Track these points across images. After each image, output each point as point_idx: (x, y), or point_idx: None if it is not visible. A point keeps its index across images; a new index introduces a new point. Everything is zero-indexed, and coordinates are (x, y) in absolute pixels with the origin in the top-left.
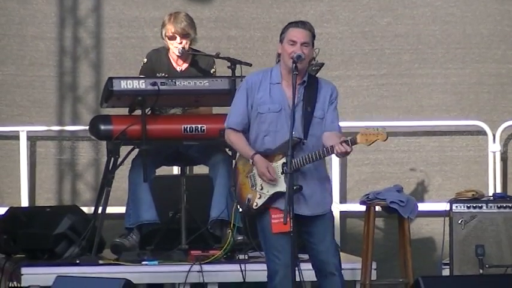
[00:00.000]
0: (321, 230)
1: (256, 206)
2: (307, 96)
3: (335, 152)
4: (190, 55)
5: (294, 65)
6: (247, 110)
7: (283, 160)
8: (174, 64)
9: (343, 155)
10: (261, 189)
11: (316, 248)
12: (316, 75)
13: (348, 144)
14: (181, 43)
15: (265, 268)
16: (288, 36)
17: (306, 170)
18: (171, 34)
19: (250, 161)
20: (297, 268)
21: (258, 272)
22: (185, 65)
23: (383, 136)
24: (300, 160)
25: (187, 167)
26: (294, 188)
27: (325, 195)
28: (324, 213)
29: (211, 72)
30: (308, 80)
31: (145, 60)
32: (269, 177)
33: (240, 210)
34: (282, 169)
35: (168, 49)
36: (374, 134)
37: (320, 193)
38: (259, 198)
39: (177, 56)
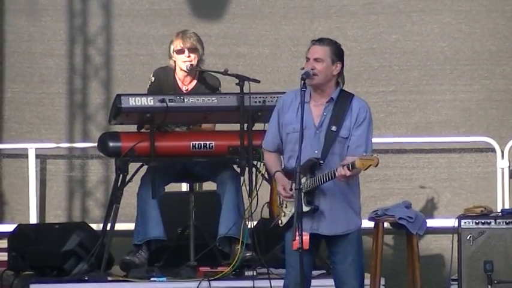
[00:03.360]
0: (341, 251)
1: (281, 223)
2: (334, 114)
3: (336, 175)
4: (197, 75)
5: (303, 82)
6: (278, 130)
7: (304, 180)
8: (180, 84)
9: (342, 179)
10: (285, 207)
11: (337, 267)
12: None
13: (349, 169)
14: (189, 57)
15: (273, 284)
16: (306, 54)
17: (326, 189)
18: (179, 48)
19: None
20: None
21: None
22: (191, 85)
23: (375, 161)
24: (314, 180)
25: (197, 184)
26: (310, 208)
27: (348, 215)
28: (346, 233)
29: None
30: (339, 98)
31: (153, 78)
32: (284, 195)
33: (271, 226)
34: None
35: (174, 69)
36: (369, 159)
37: (342, 212)
38: (284, 216)
39: (184, 73)
